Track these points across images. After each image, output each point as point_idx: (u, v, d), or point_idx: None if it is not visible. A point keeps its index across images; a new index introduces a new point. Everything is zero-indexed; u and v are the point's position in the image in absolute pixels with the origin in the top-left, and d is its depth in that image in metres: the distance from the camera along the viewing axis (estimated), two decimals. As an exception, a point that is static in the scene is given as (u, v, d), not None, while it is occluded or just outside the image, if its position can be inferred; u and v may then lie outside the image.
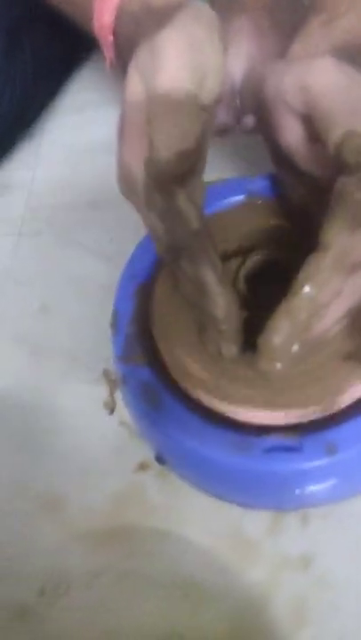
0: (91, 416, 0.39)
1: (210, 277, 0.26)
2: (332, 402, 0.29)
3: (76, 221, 0.49)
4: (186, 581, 0.33)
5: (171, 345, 0.32)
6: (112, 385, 0.40)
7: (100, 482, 0.37)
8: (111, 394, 0.40)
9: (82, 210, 0.50)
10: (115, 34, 0.33)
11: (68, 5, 0.37)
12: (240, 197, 0.37)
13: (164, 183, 0.26)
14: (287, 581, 0.32)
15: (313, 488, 0.31)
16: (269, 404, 0.29)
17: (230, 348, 0.28)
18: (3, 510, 0.37)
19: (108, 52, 0.35)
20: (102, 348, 0.39)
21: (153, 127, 0.26)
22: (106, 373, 0.40)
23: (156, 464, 0.36)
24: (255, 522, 0.34)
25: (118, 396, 0.39)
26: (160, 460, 0.35)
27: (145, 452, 0.36)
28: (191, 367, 0.31)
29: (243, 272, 0.32)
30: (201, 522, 0.34)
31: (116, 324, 0.35)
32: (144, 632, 0.32)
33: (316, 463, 0.28)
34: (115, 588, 0.33)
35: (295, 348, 0.25)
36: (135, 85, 0.28)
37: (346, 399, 0.29)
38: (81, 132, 0.54)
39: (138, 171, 0.27)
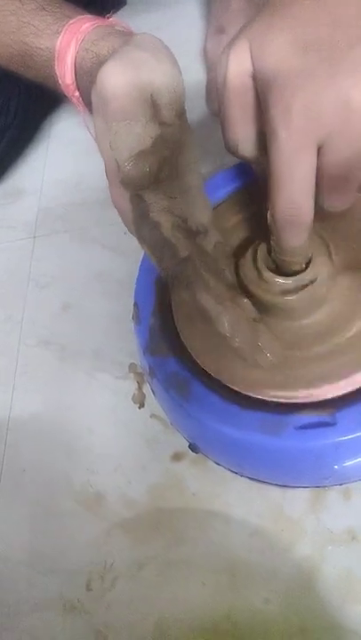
0: (122, 411, 0.39)
1: (206, 301, 0.27)
2: (357, 378, 0.29)
3: (89, 219, 0.49)
4: (232, 565, 0.33)
5: (194, 335, 0.32)
6: (140, 379, 0.40)
7: (137, 474, 0.37)
8: (139, 388, 0.40)
9: (93, 208, 0.50)
10: (79, 89, 0.35)
11: (29, 70, 0.38)
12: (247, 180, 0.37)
13: (131, 187, 0.27)
14: (334, 556, 0.31)
15: (351, 462, 0.30)
16: (296, 383, 0.29)
17: (257, 360, 0.29)
18: (45, 509, 0.37)
19: (79, 105, 0.36)
20: (127, 342, 0.40)
21: (113, 141, 0.27)
22: (132, 368, 0.40)
23: (190, 453, 0.36)
24: (296, 500, 0.33)
25: (147, 388, 0.39)
26: (194, 448, 0.35)
27: (179, 442, 0.37)
28: (216, 355, 0.31)
29: (260, 254, 0.32)
30: (241, 505, 0.34)
31: (137, 316, 0.35)
32: (195, 619, 0.32)
33: (351, 436, 0.28)
34: (160, 577, 0.33)
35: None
36: (100, 129, 0.28)
37: None
38: (87, 132, 0.55)
39: (126, 206, 0.28)
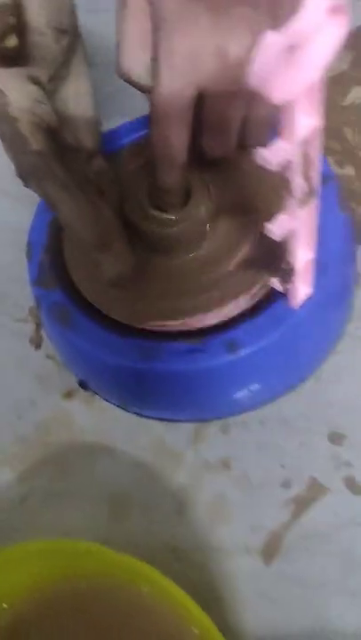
0: (19, 351, 0.39)
1: (51, 188, 0.27)
2: (230, 306, 0.30)
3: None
4: (112, 495, 0.34)
5: (79, 268, 0.33)
6: (38, 321, 0.40)
7: (30, 413, 0.37)
8: (37, 330, 0.40)
9: None
10: None
11: None
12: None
13: None
14: (209, 484, 0.33)
15: (222, 393, 0.32)
16: (174, 313, 0.30)
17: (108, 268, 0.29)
18: None
19: None
20: (29, 289, 0.40)
21: None
22: (32, 311, 0.41)
23: (82, 391, 0.37)
24: (178, 434, 0.34)
25: (45, 334, 0.40)
26: (83, 384, 0.36)
27: (71, 381, 0.37)
28: (98, 287, 0.32)
29: (145, 190, 0.33)
30: (126, 440, 0.35)
31: (30, 254, 0.35)
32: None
33: (219, 361, 0.29)
34: (43, 508, 0.34)
35: None
36: None
37: (242, 304, 0.30)
38: None
39: None
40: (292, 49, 0.15)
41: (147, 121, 0.38)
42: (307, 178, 0.21)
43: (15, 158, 0.28)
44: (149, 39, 0.27)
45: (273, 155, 0.18)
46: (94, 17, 0.38)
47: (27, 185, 0.29)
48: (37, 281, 0.34)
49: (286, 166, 0.20)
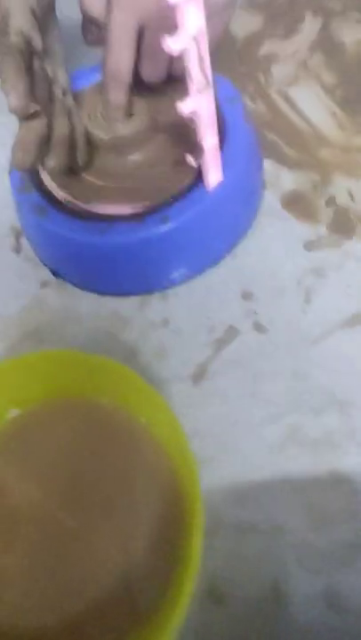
0: (2, 259, 0.49)
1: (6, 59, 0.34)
2: (163, 196, 0.40)
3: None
4: (82, 351, 0.43)
5: (51, 174, 0.43)
6: (17, 233, 0.50)
7: (13, 301, 0.47)
8: (17, 240, 0.50)
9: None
10: None
11: None
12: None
13: None
14: (152, 338, 0.43)
15: (161, 266, 0.42)
16: (123, 199, 0.41)
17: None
18: None
19: None
20: (8, 211, 0.49)
21: None
22: (13, 228, 0.50)
23: (55, 281, 0.47)
24: (128, 305, 0.45)
25: (23, 240, 0.49)
26: (55, 273, 0.46)
27: (45, 275, 0.47)
28: (67, 182, 0.42)
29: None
30: (89, 312, 0.45)
31: (12, 168, 0.45)
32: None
33: (156, 232, 0.39)
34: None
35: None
36: None
37: (174, 190, 0.41)
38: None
39: None
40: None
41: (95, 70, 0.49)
42: (202, 69, 0.31)
43: None
44: None
45: (174, 43, 0.29)
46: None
47: None
48: (19, 189, 0.44)
49: (185, 56, 0.30)
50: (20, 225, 0.49)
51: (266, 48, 0.54)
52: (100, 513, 0.35)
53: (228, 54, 0.54)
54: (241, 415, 0.39)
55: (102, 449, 0.37)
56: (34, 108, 0.35)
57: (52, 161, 0.39)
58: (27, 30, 0.35)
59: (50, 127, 0.38)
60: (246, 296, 0.43)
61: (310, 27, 0.54)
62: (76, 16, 0.44)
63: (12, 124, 0.37)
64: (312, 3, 0.56)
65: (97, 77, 0.46)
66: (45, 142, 0.37)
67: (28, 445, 0.38)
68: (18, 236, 0.50)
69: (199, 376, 0.41)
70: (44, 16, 0.39)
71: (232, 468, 0.37)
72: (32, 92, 0.34)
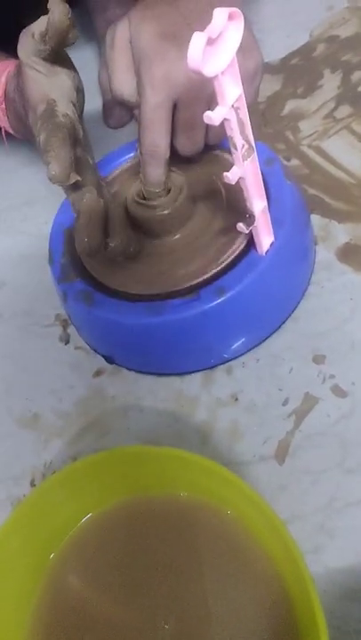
0: (51, 349, 0.47)
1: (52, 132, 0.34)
2: (215, 266, 0.39)
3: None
4: (149, 440, 0.40)
5: (94, 263, 0.42)
6: (64, 323, 0.48)
7: (66, 393, 0.45)
8: (64, 329, 0.48)
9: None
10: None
11: None
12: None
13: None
14: (222, 415, 0.40)
15: (221, 338, 0.39)
16: (171, 281, 0.39)
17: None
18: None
19: None
20: (52, 301, 0.48)
21: None
22: (58, 316, 0.49)
23: (108, 366, 0.44)
24: (192, 383, 0.42)
25: (71, 329, 0.48)
26: (108, 359, 0.44)
27: (99, 362, 0.45)
28: (111, 271, 0.40)
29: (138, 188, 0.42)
30: (149, 396, 0.42)
31: (51, 258, 0.44)
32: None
33: (212, 305, 0.37)
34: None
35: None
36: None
37: (224, 260, 0.39)
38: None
39: None
40: (211, 40, 0.25)
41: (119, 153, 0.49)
42: (244, 135, 0.30)
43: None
44: (133, 68, 0.38)
45: (215, 115, 0.28)
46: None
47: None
48: (61, 278, 0.42)
49: (226, 126, 0.29)
50: (64, 314, 0.48)
51: (289, 107, 0.54)
52: (197, 619, 0.31)
53: (253, 117, 0.54)
54: (337, 492, 0.35)
55: (190, 547, 0.33)
56: (74, 177, 0.34)
57: (114, 241, 0.38)
58: (72, 114, 0.36)
59: (106, 210, 0.38)
60: (318, 359, 0.40)
61: (330, 81, 0.54)
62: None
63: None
64: (328, 60, 0.57)
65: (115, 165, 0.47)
66: (104, 226, 0.37)
67: (106, 555, 0.34)
68: (65, 326, 0.48)
69: (282, 454, 0.37)
70: (80, 111, 0.39)
71: (340, 555, 0.33)
72: (74, 167, 0.34)
